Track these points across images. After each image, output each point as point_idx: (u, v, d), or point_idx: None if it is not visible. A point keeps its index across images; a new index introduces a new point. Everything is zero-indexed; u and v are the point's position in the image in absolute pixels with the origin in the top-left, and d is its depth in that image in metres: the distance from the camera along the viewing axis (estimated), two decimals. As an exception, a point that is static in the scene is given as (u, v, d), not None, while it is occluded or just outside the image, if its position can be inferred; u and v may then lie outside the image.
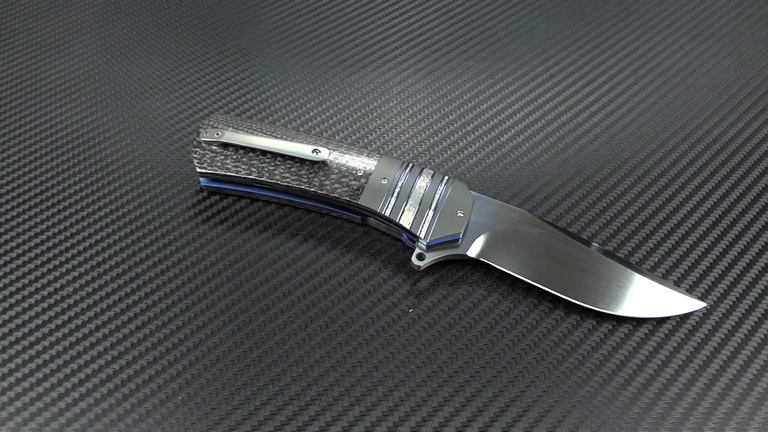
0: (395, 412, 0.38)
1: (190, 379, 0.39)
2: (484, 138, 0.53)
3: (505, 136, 0.53)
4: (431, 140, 0.52)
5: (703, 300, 0.43)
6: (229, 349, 0.41)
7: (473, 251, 0.43)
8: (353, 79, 0.57)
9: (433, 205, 0.43)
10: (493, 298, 0.43)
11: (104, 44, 0.59)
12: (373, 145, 0.52)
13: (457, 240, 0.43)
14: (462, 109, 0.55)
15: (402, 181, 0.44)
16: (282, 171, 0.45)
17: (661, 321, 0.42)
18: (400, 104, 0.55)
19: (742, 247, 0.46)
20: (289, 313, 0.42)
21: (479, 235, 0.43)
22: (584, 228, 0.47)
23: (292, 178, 0.44)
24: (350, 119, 0.54)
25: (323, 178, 0.44)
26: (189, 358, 0.40)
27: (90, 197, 0.48)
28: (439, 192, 0.44)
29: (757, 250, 0.46)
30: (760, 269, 0.45)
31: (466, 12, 0.63)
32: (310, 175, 0.44)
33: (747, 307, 0.43)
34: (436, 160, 0.51)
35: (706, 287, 0.44)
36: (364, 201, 0.43)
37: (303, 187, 0.44)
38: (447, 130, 0.53)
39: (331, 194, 0.44)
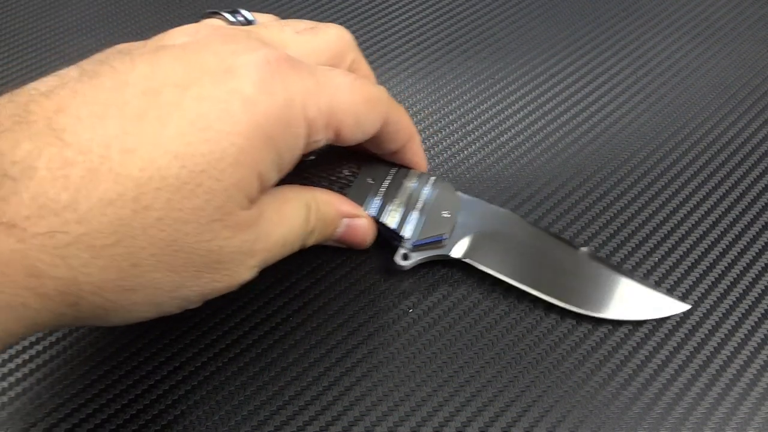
0: (395, 412, 0.38)
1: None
2: (484, 138, 0.53)
3: (505, 136, 0.53)
4: (431, 140, 0.52)
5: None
6: (228, 348, 0.41)
7: (459, 252, 0.43)
8: (353, 79, 0.57)
9: (419, 205, 0.43)
10: (492, 299, 0.43)
11: (104, 44, 0.59)
12: (373, 145, 0.52)
13: (443, 241, 0.43)
14: (462, 109, 0.55)
15: (388, 181, 0.44)
16: None
17: (660, 322, 0.42)
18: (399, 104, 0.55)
19: (743, 246, 0.46)
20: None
21: (465, 236, 0.43)
22: (584, 228, 0.47)
23: None
24: (350, 119, 0.54)
25: (310, 177, 0.44)
26: (187, 355, 0.40)
27: (90, 197, 0.48)
28: (425, 192, 0.44)
29: (757, 250, 0.46)
30: (760, 269, 0.45)
31: (466, 12, 0.64)
32: (297, 174, 0.44)
33: (747, 307, 0.43)
34: (436, 161, 0.51)
35: (707, 287, 0.44)
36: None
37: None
38: (447, 130, 0.53)
39: None
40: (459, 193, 0.45)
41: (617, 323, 0.42)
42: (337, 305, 0.43)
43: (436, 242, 0.43)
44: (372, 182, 0.44)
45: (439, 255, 0.43)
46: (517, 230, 0.44)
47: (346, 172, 0.43)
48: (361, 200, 0.43)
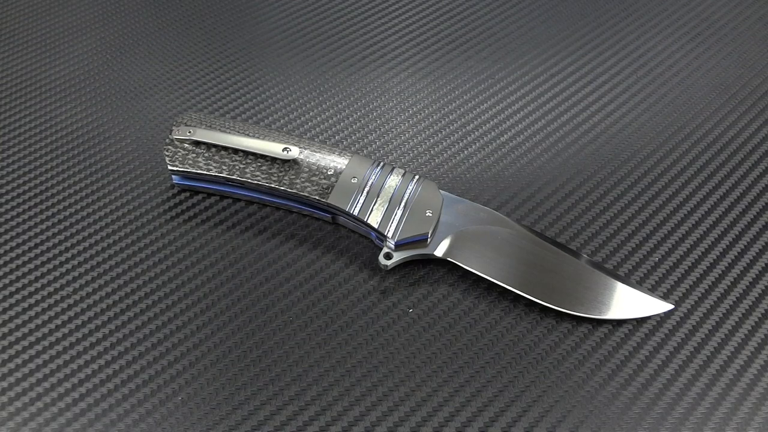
0: (395, 412, 0.38)
1: (190, 379, 0.39)
2: (484, 138, 0.53)
3: (505, 136, 0.53)
4: (431, 140, 0.52)
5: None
6: (230, 349, 0.41)
7: (441, 251, 0.43)
8: (353, 79, 0.57)
9: (402, 204, 0.43)
10: (492, 298, 0.43)
11: (104, 44, 0.59)
12: (373, 145, 0.52)
13: (426, 240, 0.43)
14: (462, 109, 0.55)
15: (372, 180, 0.44)
16: (253, 169, 0.45)
17: (661, 322, 0.42)
18: (400, 104, 0.55)
19: (744, 245, 0.46)
20: (288, 313, 0.42)
21: (448, 235, 0.43)
22: (584, 228, 0.47)
23: (263, 176, 0.44)
24: (350, 119, 0.54)
25: (293, 177, 0.44)
26: (189, 358, 0.40)
27: (90, 197, 0.48)
28: (408, 191, 0.44)
29: (758, 249, 0.46)
30: (761, 268, 0.45)
31: (466, 12, 0.63)
32: (281, 174, 0.44)
33: (747, 307, 0.43)
34: (436, 160, 0.51)
35: (707, 286, 0.44)
36: (333, 200, 0.43)
37: (273, 185, 0.44)
38: (447, 130, 0.53)
39: (301, 193, 0.44)
40: (442, 192, 0.45)
41: (598, 322, 0.42)
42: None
43: (419, 241, 0.43)
44: (355, 181, 0.44)
45: (422, 254, 0.43)
46: (501, 229, 0.44)
47: (329, 172, 0.43)
48: (344, 199, 0.43)
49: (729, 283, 0.44)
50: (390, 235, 0.42)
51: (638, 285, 0.43)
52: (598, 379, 0.40)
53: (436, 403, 0.39)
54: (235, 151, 0.45)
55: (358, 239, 0.46)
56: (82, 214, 0.47)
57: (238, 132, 0.46)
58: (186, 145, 0.46)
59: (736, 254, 0.46)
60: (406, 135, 0.53)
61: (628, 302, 0.42)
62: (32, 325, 0.41)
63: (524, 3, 0.64)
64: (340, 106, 0.55)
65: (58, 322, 0.41)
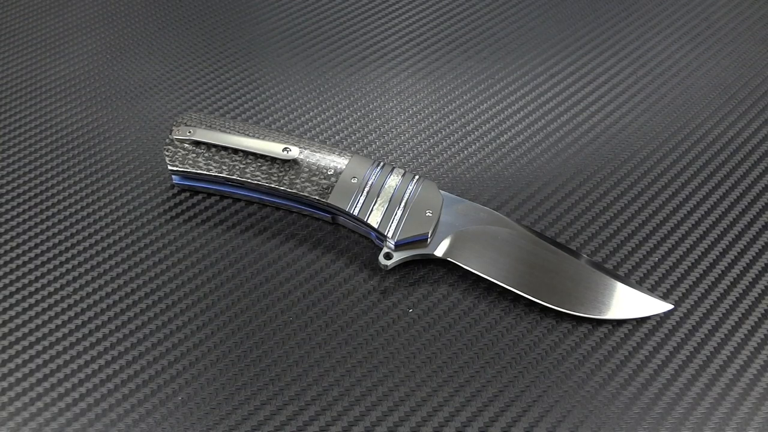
0: (395, 412, 0.38)
1: (190, 379, 0.39)
2: (484, 138, 0.53)
3: (505, 136, 0.53)
4: (431, 140, 0.52)
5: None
6: (230, 349, 0.41)
7: (441, 251, 0.43)
8: (353, 79, 0.57)
9: (402, 204, 0.43)
10: (492, 298, 0.43)
11: (104, 44, 0.59)
12: (373, 146, 0.52)
13: (426, 240, 0.43)
14: (462, 109, 0.55)
15: (372, 180, 0.44)
16: (253, 169, 0.45)
17: (660, 322, 0.42)
18: (400, 104, 0.55)
19: (744, 245, 0.46)
20: (288, 313, 0.42)
21: (448, 235, 0.43)
22: (584, 228, 0.47)
23: (263, 176, 0.44)
24: (350, 119, 0.54)
25: (293, 177, 0.44)
26: (189, 358, 0.40)
27: (90, 197, 0.48)
28: (408, 191, 0.44)
29: (758, 249, 0.46)
30: (761, 268, 0.45)
31: (466, 12, 0.63)
32: (281, 174, 0.44)
33: (747, 307, 0.43)
34: (436, 160, 0.51)
35: (707, 286, 0.44)
36: (333, 200, 0.43)
37: (273, 185, 0.44)
38: (447, 130, 0.53)
39: (301, 193, 0.44)
40: (442, 192, 0.45)
41: (598, 322, 0.42)
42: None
43: (419, 241, 0.43)
44: (355, 181, 0.44)
45: (422, 254, 0.43)
46: (501, 229, 0.44)
47: (329, 172, 0.43)
48: (344, 199, 0.43)
49: (729, 283, 0.44)
50: (390, 235, 0.42)
51: (638, 285, 0.43)
52: (598, 379, 0.40)
53: (436, 403, 0.39)
54: (235, 151, 0.45)
55: (358, 239, 0.46)
56: (82, 214, 0.47)
57: (238, 132, 0.46)
58: (186, 145, 0.46)
59: (736, 254, 0.46)
60: (406, 135, 0.53)
61: (628, 302, 0.42)
62: (32, 325, 0.41)
63: (524, 3, 0.64)
64: (340, 106, 0.55)
65: (58, 322, 0.41)
